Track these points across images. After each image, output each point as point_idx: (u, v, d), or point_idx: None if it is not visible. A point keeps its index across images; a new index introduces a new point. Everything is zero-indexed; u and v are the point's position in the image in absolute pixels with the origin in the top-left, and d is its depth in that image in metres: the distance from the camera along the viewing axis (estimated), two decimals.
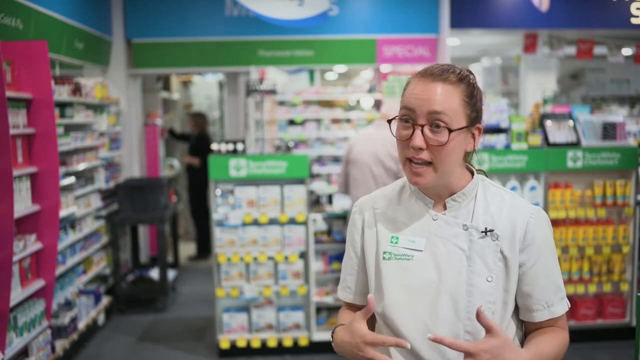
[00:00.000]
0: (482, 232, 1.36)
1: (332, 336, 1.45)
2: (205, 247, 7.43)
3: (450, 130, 1.30)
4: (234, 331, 4.47)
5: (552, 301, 1.38)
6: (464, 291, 1.33)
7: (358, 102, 7.81)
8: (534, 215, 1.38)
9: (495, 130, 4.53)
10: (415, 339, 1.36)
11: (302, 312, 4.48)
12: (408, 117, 1.33)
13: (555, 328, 1.41)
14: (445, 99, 1.31)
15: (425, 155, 1.32)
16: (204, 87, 9.15)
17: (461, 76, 1.35)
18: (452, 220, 1.38)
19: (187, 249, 8.21)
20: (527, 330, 1.44)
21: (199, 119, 7.68)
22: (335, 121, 7.10)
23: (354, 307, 1.57)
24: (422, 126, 1.31)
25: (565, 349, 1.41)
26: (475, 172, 1.45)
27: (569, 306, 1.42)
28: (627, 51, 7.59)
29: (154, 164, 7.00)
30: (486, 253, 1.35)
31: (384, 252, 1.42)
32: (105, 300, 5.29)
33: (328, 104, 7.40)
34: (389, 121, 1.40)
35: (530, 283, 1.37)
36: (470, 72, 1.38)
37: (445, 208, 1.41)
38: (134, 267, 6.30)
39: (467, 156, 1.42)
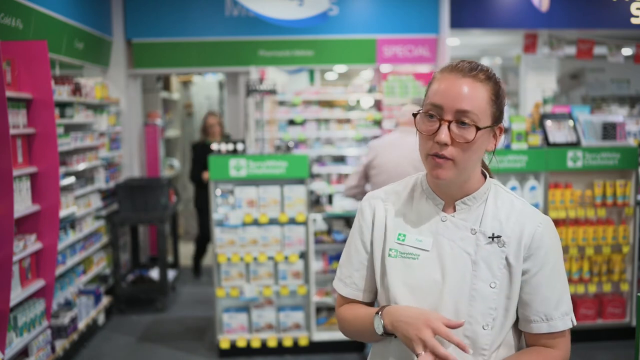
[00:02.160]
0: (489, 237, 1.35)
1: (381, 319, 1.35)
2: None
3: (478, 129, 1.29)
4: (234, 331, 4.48)
5: (552, 315, 1.34)
6: (466, 295, 1.33)
7: (358, 102, 7.81)
8: (542, 224, 1.36)
9: None
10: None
11: (302, 312, 4.48)
12: (434, 113, 1.32)
13: (546, 349, 1.36)
14: (474, 97, 1.30)
15: (448, 152, 1.30)
16: (204, 87, 9.16)
17: (489, 74, 1.34)
18: (461, 223, 1.37)
19: (188, 249, 8.21)
20: (526, 342, 1.41)
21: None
22: (335, 121, 7.11)
23: (358, 303, 1.52)
24: (449, 122, 1.30)
25: None
26: (488, 176, 1.44)
27: (575, 324, 1.37)
28: (627, 51, 7.60)
29: (154, 164, 7.00)
30: (492, 259, 1.34)
31: (390, 249, 1.41)
32: (105, 300, 5.29)
33: (328, 104, 7.40)
34: (414, 115, 1.37)
35: (531, 292, 1.34)
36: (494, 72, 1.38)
37: (454, 210, 1.39)
38: (134, 267, 6.30)
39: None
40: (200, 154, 6.30)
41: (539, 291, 1.34)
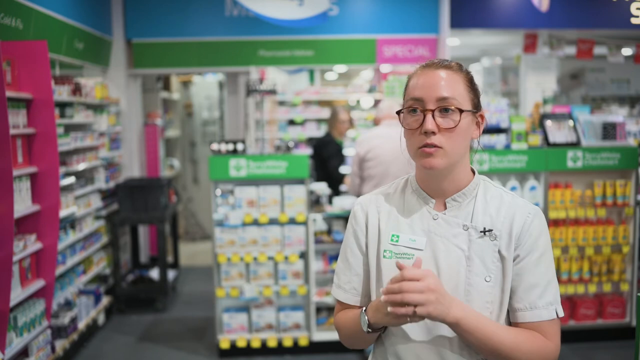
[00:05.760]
0: (481, 232, 1.36)
1: (365, 315, 1.37)
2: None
3: (461, 111, 1.33)
4: (234, 331, 4.48)
5: (535, 304, 1.33)
6: (462, 291, 1.34)
7: (358, 102, 7.82)
8: (531, 214, 1.38)
9: (495, 130, 4.53)
10: (415, 338, 1.37)
11: (302, 312, 4.48)
12: (416, 107, 1.35)
13: (534, 332, 1.33)
14: (451, 84, 1.35)
15: (436, 140, 1.33)
16: (204, 87, 9.16)
17: (460, 65, 1.41)
18: (453, 220, 1.39)
19: (188, 249, 8.21)
20: None
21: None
22: None
23: (355, 308, 1.52)
24: (433, 111, 1.33)
25: (543, 357, 1.31)
26: (476, 172, 1.46)
27: (561, 316, 1.36)
28: (627, 51, 7.59)
29: (154, 164, 7.00)
30: (485, 253, 1.35)
31: (385, 251, 1.42)
32: (105, 300, 5.29)
33: (328, 104, 7.40)
34: (398, 113, 1.41)
35: (515, 278, 1.34)
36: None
37: (445, 207, 1.41)
38: (134, 267, 6.30)
39: (471, 147, 1.43)
40: (331, 152, 5.60)
41: (523, 278, 1.34)
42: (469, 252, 1.35)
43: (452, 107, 1.32)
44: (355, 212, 1.51)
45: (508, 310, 1.37)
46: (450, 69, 1.37)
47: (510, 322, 1.39)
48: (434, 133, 1.32)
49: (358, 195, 4.36)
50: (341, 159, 5.66)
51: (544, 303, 1.34)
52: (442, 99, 1.33)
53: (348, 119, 5.88)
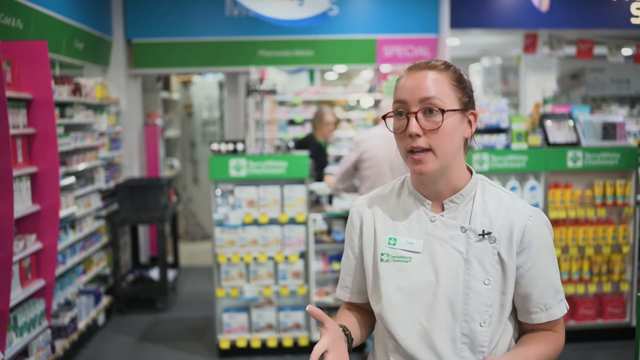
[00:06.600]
0: (479, 235, 1.35)
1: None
2: None
3: (443, 111, 1.31)
4: (234, 331, 4.48)
5: (550, 304, 1.37)
6: (461, 294, 1.33)
7: (358, 102, 7.82)
8: (532, 217, 1.37)
9: (495, 130, 4.53)
10: (412, 341, 1.36)
11: (302, 312, 4.48)
12: (402, 110, 1.34)
13: (549, 332, 1.41)
14: (435, 84, 1.32)
15: (422, 142, 1.32)
16: (204, 87, 9.16)
17: (447, 64, 1.38)
18: (450, 222, 1.38)
19: (188, 249, 8.21)
20: (523, 329, 1.44)
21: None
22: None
23: (353, 306, 1.57)
24: (416, 113, 1.32)
25: (559, 351, 1.41)
26: (474, 172, 1.45)
27: (568, 308, 1.41)
28: (627, 51, 7.59)
29: (154, 164, 7.00)
30: (483, 256, 1.34)
31: (382, 254, 1.42)
32: (105, 300, 5.29)
33: (328, 104, 7.40)
34: (384, 117, 1.40)
35: (528, 285, 1.36)
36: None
37: (443, 209, 1.40)
38: (134, 267, 6.30)
39: (466, 146, 1.42)
40: (313, 154, 5.24)
41: (537, 284, 1.36)
42: (467, 255, 1.35)
43: (435, 109, 1.31)
44: (351, 215, 1.52)
45: (514, 310, 1.40)
46: (435, 68, 1.35)
47: (517, 319, 1.42)
48: (418, 136, 1.32)
49: (343, 190, 4.39)
50: (316, 161, 5.51)
51: (557, 301, 1.38)
52: (424, 99, 1.31)
53: (333, 121, 5.77)
